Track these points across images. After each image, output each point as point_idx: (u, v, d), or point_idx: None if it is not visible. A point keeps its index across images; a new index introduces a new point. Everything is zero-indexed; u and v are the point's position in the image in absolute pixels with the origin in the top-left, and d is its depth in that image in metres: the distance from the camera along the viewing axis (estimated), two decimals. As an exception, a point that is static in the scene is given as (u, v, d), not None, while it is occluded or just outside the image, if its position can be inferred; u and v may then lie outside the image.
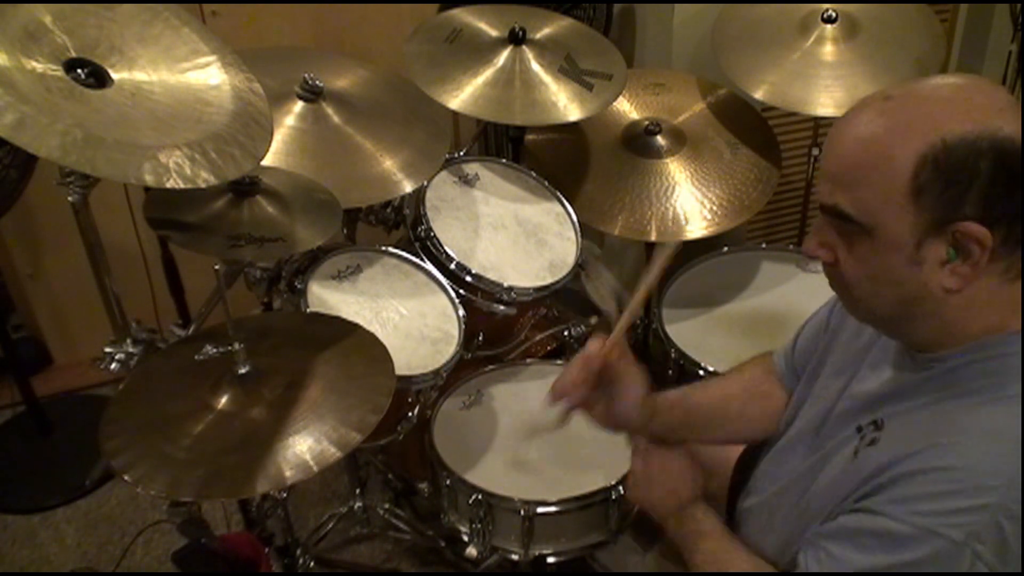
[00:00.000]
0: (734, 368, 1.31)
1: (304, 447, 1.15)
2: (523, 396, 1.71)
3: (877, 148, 0.83)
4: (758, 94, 1.84)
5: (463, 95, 1.74)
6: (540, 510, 1.44)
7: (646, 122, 1.96)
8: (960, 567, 0.80)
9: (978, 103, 0.81)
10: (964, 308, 0.85)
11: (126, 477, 1.11)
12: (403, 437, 1.61)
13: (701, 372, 1.67)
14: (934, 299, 0.85)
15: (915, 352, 0.92)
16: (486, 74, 1.78)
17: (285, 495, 1.67)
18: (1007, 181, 0.79)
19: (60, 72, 1.17)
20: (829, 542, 0.89)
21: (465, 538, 1.51)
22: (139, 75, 1.26)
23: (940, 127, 0.80)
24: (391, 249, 1.68)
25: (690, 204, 1.86)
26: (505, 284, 1.64)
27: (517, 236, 1.77)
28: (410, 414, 1.61)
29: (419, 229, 1.67)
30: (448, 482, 1.50)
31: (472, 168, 1.84)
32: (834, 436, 1.00)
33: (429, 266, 1.67)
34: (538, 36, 1.87)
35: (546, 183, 1.86)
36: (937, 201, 0.81)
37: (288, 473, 1.12)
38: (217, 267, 1.28)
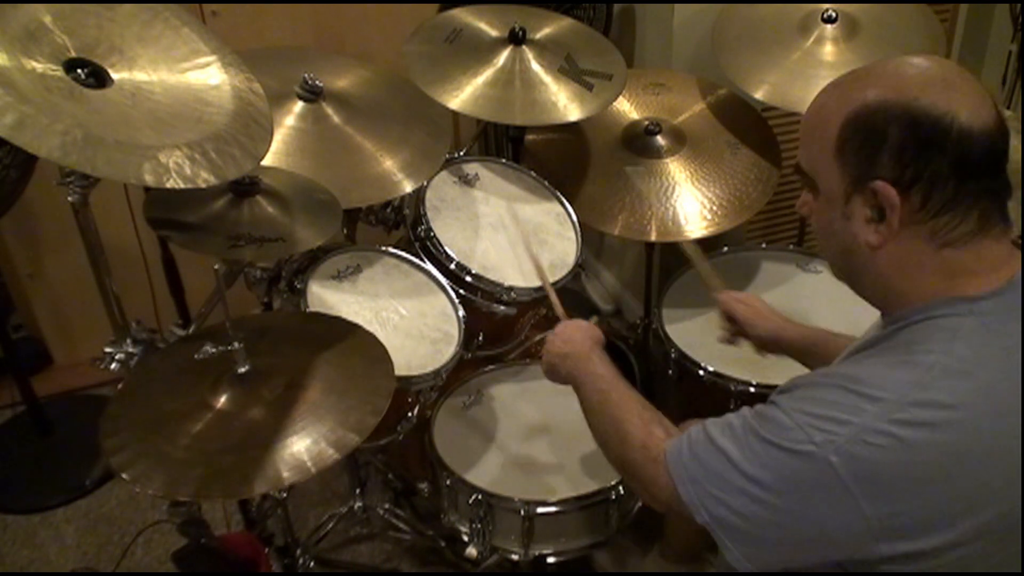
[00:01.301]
0: None
1: (302, 448, 1.15)
2: (523, 396, 1.71)
3: (821, 111, 0.94)
4: (758, 94, 1.84)
5: (463, 95, 1.74)
6: (540, 510, 1.44)
7: (646, 122, 1.96)
8: (812, 470, 0.86)
9: (907, 75, 0.89)
10: (894, 267, 0.91)
11: (124, 475, 1.11)
12: (403, 437, 1.61)
13: (701, 372, 1.67)
14: (863, 254, 0.92)
15: (883, 315, 0.99)
16: (486, 74, 1.78)
17: (285, 495, 1.67)
18: (917, 147, 0.86)
19: (60, 72, 1.17)
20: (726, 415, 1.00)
21: (465, 538, 1.51)
22: (139, 75, 1.26)
23: (866, 94, 0.89)
24: (391, 249, 1.68)
25: (690, 204, 1.86)
26: (505, 284, 1.64)
27: (517, 236, 1.77)
28: (410, 414, 1.61)
29: (419, 229, 1.68)
30: (448, 482, 1.50)
31: (472, 168, 1.84)
32: None
33: (429, 266, 1.67)
34: (538, 36, 1.87)
35: (546, 183, 1.86)
36: (854, 159, 0.89)
37: (286, 474, 1.12)
38: (217, 267, 1.28)
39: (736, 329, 1.47)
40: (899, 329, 0.91)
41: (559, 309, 1.51)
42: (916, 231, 0.88)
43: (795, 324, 1.43)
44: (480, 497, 1.45)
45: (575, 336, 1.30)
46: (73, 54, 1.20)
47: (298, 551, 1.75)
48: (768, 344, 1.43)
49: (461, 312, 1.62)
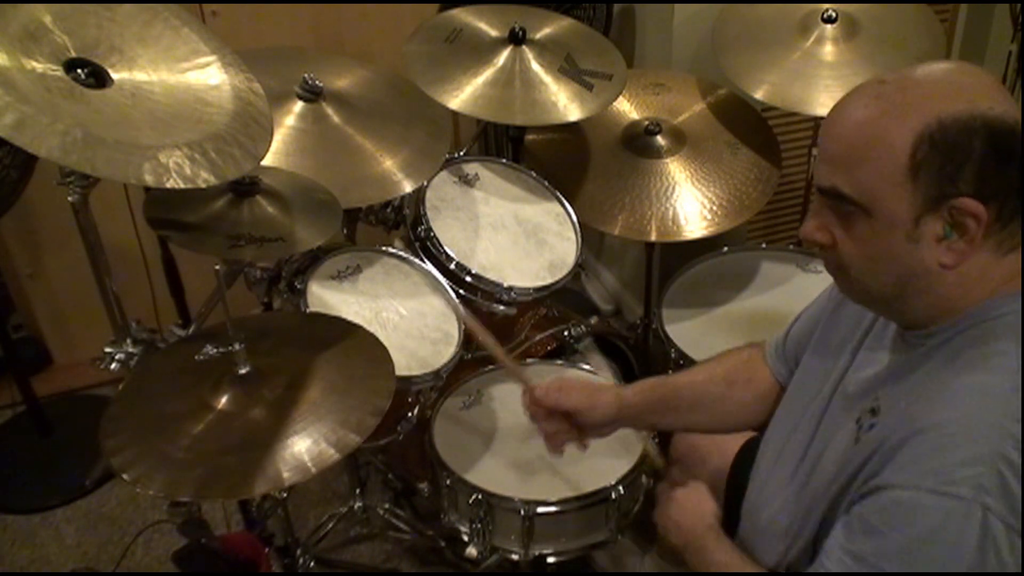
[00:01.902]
0: (719, 354, 1.33)
1: (303, 448, 1.15)
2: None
3: (874, 129, 0.85)
4: (758, 94, 1.84)
5: (463, 95, 1.74)
6: (540, 510, 1.44)
7: (646, 122, 1.96)
8: (974, 525, 0.78)
9: (968, 84, 0.85)
10: (957, 284, 0.88)
11: (125, 476, 1.11)
12: (403, 437, 1.61)
13: (701, 372, 1.67)
14: (930, 275, 0.88)
15: (907, 332, 0.95)
16: (486, 74, 1.78)
17: (285, 495, 1.67)
18: (999, 158, 0.82)
19: (60, 72, 1.17)
20: (848, 540, 0.88)
21: (465, 538, 1.51)
22: (139, 75, 1.26)
23: (935, 108, 0.83)
24: (391, 249, 1.68)
25: (690, 204, 1.86)
26: (505, 284, 1.64)
27: (517, 236, 1.77)
28: (410, 414, 1.61)
29: (419, 229, 1.68)
30: (448, 482, 1.50)
31: (472, 168, 1.84)
32: (834, 429, 1.01)
33: (429, 266, 1.67)
34: (538, 36, 1.87)
35: (546, 183, 1.86)
36: (934, 179, 0.83)
37: (286, 474, 1.12)
38: (217, 267, 1.28)
39: (568, 429, 1.27)
40: (949, 339, 0.88)
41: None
42: (985, 244, 0.85)
43: (623, 386, 1.29)
44: (480, 497, 1.45)
45: (684, 523, 1.16)
46: (73, 54, 1.20)
47: (298, 551, 1.75)
48: (610, 424, 1.26)
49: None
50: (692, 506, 1.17)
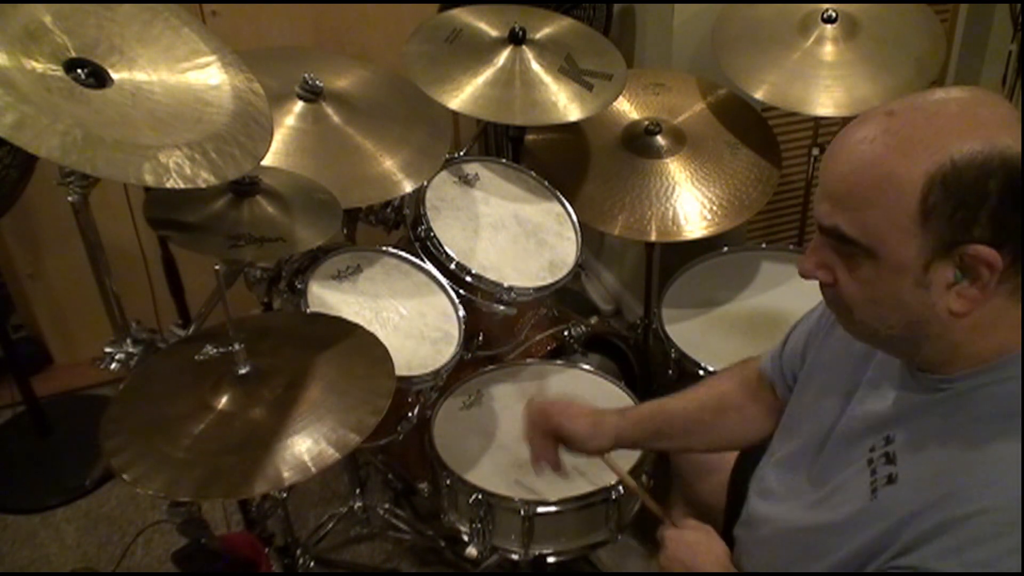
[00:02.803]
0: (713, 376, 1.32)
1: (303, 448, 1.15)
2: (523, 396, 1.71)
3: (882, 169, 0.79)
4: (758, 94, 1.84)
5: (463, 95, 1.74)
6: (540, 510, 1.44)
7: (646, 122, 1.96)
8: None
9: (984, 119, 0.78)
10: (970, 330, 0.82)
11: (125, 476, 1.11)
12: (403, 437, 1.61)
13: (701, 372, 1.68)
14: (940, 322, 0.82)
15: (919, 371, 0.90)
16: (486, 74, 1.78)
17: (285, 495, 1.67)
18: (1015, 201, 0.76)
19: (60, 72, 1.17)
20: None
21: (465, 538, 1.51)
22: (139, 75, 1.26)
23: (948, 146, 0.77)
24: (391, 249, 1.68)
25: (690, 204, 1.86)
26: (505, 284, 1.64)
27: (517, 236, 1.77)
28: (410, 414, 1.61)
29: (419, 229, 1.68)
30: (448, 482, 1.50)
31: (472, 168, 1.84)
32: (840, 464, 0.97)
33: (429, 266, 1.67)
34: (538, 36, 1.87)
35: (546, 183, 1.86)
36: (947, 224, 0.77)
37: (286, 474, 1.12)
38: (217, 267, 1.28)
39: (555, 450, 1.28)
40: (968, 391, 0.84)
41: (656, 510, 1.30)
42: (999, 289, 0.79)
43: (620, 412, 1.29)
44: (480, 497, 1.45)
45: (701, 562, 1.11)
46: (73, 54, 1.20)
47: (298, 551, 1.75)
48: (603, 452, 1.28)
49: (461, 312, 1.62)
50: (706, 548, 1.13)
